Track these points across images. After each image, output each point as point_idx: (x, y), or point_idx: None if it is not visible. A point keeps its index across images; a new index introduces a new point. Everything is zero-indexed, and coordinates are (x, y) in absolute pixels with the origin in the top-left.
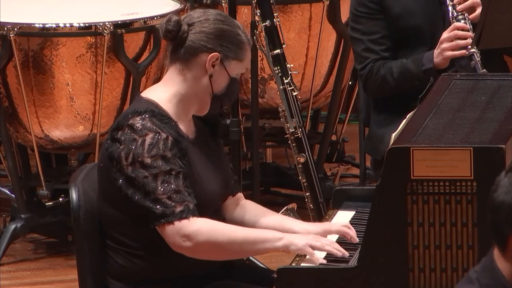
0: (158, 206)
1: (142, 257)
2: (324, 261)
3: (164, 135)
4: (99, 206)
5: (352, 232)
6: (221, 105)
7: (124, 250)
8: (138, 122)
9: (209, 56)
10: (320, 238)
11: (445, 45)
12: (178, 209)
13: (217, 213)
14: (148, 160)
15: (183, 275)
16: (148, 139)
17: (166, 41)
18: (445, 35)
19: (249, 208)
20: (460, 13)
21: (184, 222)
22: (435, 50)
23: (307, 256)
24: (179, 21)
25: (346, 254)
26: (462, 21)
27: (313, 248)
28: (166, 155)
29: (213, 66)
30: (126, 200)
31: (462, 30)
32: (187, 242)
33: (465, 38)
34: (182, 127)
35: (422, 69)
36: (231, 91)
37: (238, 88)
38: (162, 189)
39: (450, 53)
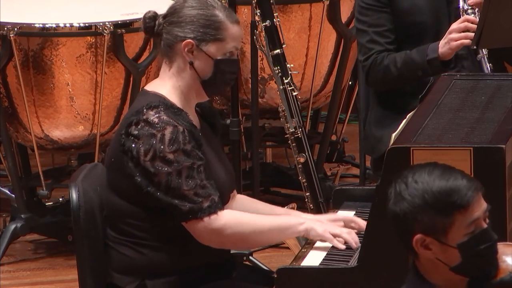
0: (185, 203)
1: (151, 247)
2: (343, 247)
3: (181, 128)
4: (107, 199)
5: (353, 235)
6: (218, 88)
7: (132, 241)
8: (153, 116)
9: (182, 44)
10: (337, 226)
11: (453, 35)
12: (205, 204)
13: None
14: (170, 156)
15: (192, 266)
16: (168, 133)
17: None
18: (454, 26)
19: (246, 203)
20: (470, 7)
21: (213, 217)
22: (441, 41)
23: (308, 256)
24: (152, 16)
25: (358, 245)
26: (472, 15)
27: (332, 235)
28: (187, 148)
29: (191, 52)
30: (147, 197)
31: (472, 23)
32: (215, 237)
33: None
34: (190, 117)
35: (426, 59)
36: (221, 72)
37: (234, 67)
38: (187, 185)
39: (457, 43)
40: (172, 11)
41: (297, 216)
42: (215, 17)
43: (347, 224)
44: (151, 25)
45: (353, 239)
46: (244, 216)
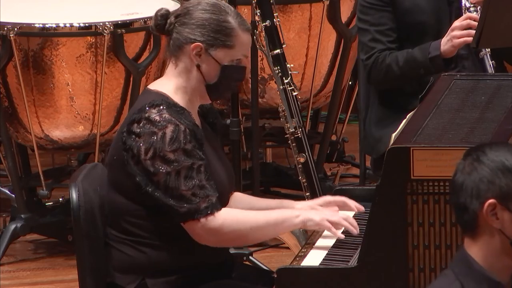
0: (183, 204)
1: (152, 246)
2: (342, 236)
3: (182, 127)
4: (108, 197)
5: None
6: (221, 93)
7: (132, 239)
8: (155, 114)
9: (191, 46)
10: (336, 213)
11: (456, 32)
12: (203, 205)
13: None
14: (170, 155)
15: (192, 265)
16: (169, 132)
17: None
18: (457, 23)
19: (242, 199)
20: (472, 5)
21: (210, 217)
22: (443, 38)
23: (308, 255)
24: (164, 14)
25: (358, 231)
26: (475, 13)
27: (330, 223)
28: (187, 148)
29: (199, 56)
30: (146, 196)
31: (474, 21)
32: (213, 236)
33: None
34: (193, 117)
35: (428, 56)
36: (226, 78)
37: (240, 75)
38: (185, 186)
39: (459, 40)
40: (185, 12)
41: (292, 209)
42: (227, 23)
43: (341, 208)
44: (162, 23)
45: (353, 225)
46: (240, 213)
